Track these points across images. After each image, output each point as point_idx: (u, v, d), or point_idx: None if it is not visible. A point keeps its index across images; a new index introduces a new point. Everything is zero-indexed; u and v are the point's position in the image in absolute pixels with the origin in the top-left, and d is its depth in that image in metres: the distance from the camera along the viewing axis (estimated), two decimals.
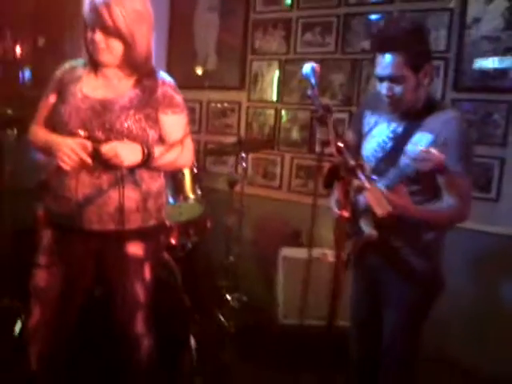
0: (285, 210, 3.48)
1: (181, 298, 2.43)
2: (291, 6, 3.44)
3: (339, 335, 2.55)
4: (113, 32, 1.75)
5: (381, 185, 1.80)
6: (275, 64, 3.52)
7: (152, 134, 1.87)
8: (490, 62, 2.82)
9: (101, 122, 1.81)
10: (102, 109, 1.83)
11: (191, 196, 2.57)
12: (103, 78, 1.88)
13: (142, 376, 2.01)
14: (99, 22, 1.73)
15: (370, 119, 2.08)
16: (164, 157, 1.86)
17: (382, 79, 1.85)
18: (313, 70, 1.77)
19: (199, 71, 3.86)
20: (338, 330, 2.56)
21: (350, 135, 2.23)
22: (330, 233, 3.22)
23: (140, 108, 1.85)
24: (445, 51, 2.92)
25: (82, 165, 1.73)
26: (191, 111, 3.94)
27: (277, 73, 3.52)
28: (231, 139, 3.62)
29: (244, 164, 2.91)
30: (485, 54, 2.82)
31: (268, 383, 2.50)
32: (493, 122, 2.84)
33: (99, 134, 1.80)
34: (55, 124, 1.85)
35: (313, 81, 1.73)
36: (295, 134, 3.47)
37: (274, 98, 3.54)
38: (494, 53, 2.81)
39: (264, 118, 3.59)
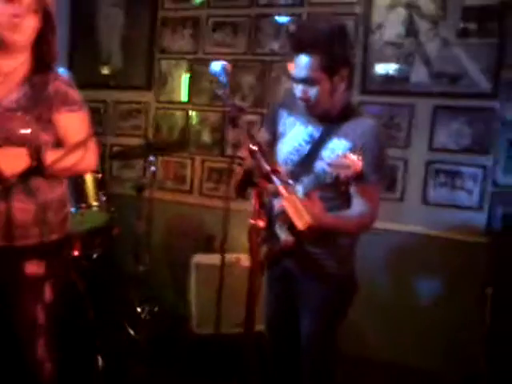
0: (197, 214, 3.38)
1: (86, 315, 2.25)
2: (201, 4, 3.35)
3: (257, 341, 2.56)
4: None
5: (297, 190, 1.77)
6: (184, 64, 3.41)
7: (46, 138, 1.69)
8: (393, 67, 2.93)
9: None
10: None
11: (94, 203, 2.39)
12: None
13: None
14: None
15: (286, 120, 2.02)
16: (62, 162, 1.67)
17: (296, 81, 1.81)
18: (223, 68, 1.69)
19: (104, 70, 3.65)
20: (255, 335, 2.57)
21: (263, 135, 2.17)
22: (244, 237, 3.22)
23: (29, 108, 1.67)
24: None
25: None
26: (95, 112, 3.73)
27: (185, 73, 3.42)
28: (139, 141, 3.48)
29: (153, 167, 2.78)
30: (388, 59, 2.93)
31: None
32: (396, 125, 2.95)
33: None
34: None
35: (223, 79, 1.66)
36: (206, 136, 3.38)
37: (184, 99, 3.44)
38: (397, 58, 2.92)
39: (173, 120, 3.45)
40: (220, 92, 1.66)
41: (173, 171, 3.45)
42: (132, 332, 2.64)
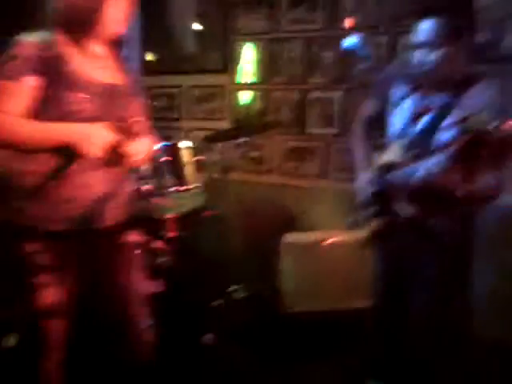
0: (278, 194, 3.38)
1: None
2: None
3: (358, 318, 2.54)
4: None
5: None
6: (260, 44, 3.38)
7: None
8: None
9: (114, 111, 1.66)
10: (115, 95, 1.68)
11: (194, 185, 2.42)
12: (93, 57, 1.67)
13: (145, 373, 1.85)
14: None
15: (398, 91, 1.99)
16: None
17: (419, 46, 1.78)
18: (361, 40, 1.69)
19: (178, 54, 3.67)
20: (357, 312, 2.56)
21: (372, 106, 2.16)
22: (328, 215, 3.21)
23: (135, 94, 1.75)
24: None
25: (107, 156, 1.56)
26: (171, 97, 3.77)
27: (261, 52, 3.39)
28: (218, 124, 3.50)
29: (244, 149, 2.79)
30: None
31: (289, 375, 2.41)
32: None
33: (112, 123, 1.62)
34: (56, 114, 1.57)
35: (364, 52, 1.65)
36: (286, 115, 3.35)
37: (261, 80, 3.42)
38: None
39: (252, 101, 3.44)
40: (362, 65, 1.65)
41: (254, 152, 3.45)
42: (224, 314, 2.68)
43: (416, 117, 1.90)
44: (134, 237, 1.80)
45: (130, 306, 1.77)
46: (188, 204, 2.52)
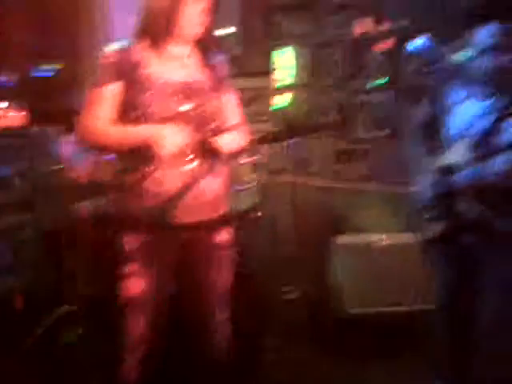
0: (325, 196, 3.39)
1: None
2: None
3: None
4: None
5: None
6: (303, 47, 3.41)
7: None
8: None
9: (193, 107, 1.68)
10: (191, 92, 1.69)
11: (249, 185, 2.46)
12: (171, 58, 1.71)
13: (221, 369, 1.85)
14: None
15: (458, 92, 1.98)
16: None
17: (489, 50, 1.78)
18: (427, 42, 1.69)
19: None
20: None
21: (427, 106, 2.12)
22: (374, 217, 3.20)
23: (217, 89, 1.75)
24: None
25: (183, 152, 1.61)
26: None
27: (306, 56, 3.41)
28: (263, 127, 3.52)
29: (295, 151, 2.81)
30: None
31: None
32: None
33: (191, 121, 1.66)
34: (134, 116, 1.65)
35: (431, 54, 1.65)
36: (333, 117, 3.37)
37: (306, 82, 3.44)
38: None
39: (298, 103, 3.48)
40: (428, 69, 1.65)
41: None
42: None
43: (478, 119, 1.89)
44: (223, 236, 1.78)
45: (210, 305, 1.79)
46: (244, 203, 2.54)
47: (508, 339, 1.97)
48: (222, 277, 1.81)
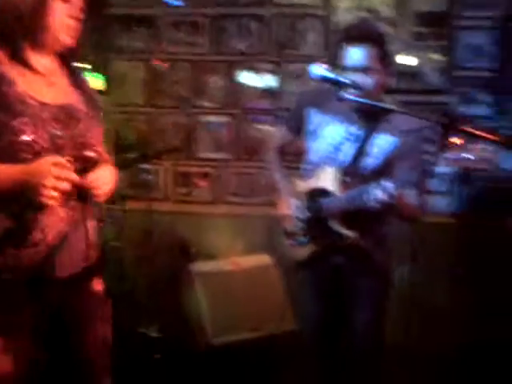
0: (170, 222, 3.24)
1: None
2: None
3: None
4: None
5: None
6: (141, 64, 3.22)
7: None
8: None
9: (71, 136, 1.40)
10: (68, 118, 1.41)
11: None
12: (38, 74, 1.41)
13: None
14: None
15: (316, 118, 2.05)
16: None
17: (352, 69, 1.86)
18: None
19: None
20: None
21: (284, 134, 2.20)
22: (223, 241, 3.18)
23: (93, 113, 1.50)
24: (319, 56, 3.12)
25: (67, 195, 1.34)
26: None
27: (143, 73, 3.23)
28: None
29: (148, 176, 2.62)
30: None
31: None
32: None
33: (70, 153, 1.39)
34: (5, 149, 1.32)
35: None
36: (173, 139, 3.25)
37: (142, 101, 3.25)
38: None
39: (133, 124, 3.25)
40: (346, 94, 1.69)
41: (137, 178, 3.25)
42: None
43: (342, 144, 1.99)
44: (98, 286, 1.54)
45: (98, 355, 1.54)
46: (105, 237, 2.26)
47: (374, 358, 2.14)
48: (104, 329, 1.58)
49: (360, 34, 1.88)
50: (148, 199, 2.85)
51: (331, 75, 1.74)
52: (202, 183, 3.24)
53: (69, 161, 1.35)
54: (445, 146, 1.37)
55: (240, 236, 3.15)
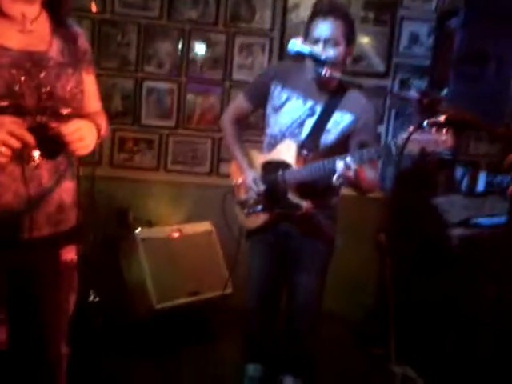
0: (108, 187, 3.16)
1: None
2: None
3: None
4: None
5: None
6: (88, 23, 3.05)
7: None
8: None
9: (34, 84, 1.35)
10: (32, 65, 1.36)
11: None
12: (8, 19, 1.35)
13: None
14: None
15: (280, 93, 2.11)
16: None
17: (319, 41, 1.93)
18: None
19: None
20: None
21: (244, 104, 2.23)
22: (162, 208, 3.17)
23: (72, 64, 1.45)
24: (270, 30, 3.17)
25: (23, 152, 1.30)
26: None
27: (89, 33, 3.06)
28: None
29: None
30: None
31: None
32: None
33: (33, 103, 1.34)
34: None
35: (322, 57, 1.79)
36: (117, 104, 3.15)
37: None
38: None
39: None
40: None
41: None
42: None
43: (302, 119, 2.07)
44: (70, 254, 1.51)
45: (56, 324, 1.53)
46: None
47: (314, 319, 2.26)
48: (68, 302, 1.57)
49: (329, 8, 1.96)
50: (90, 163, 2.74)
51: (307, 49, 1.80)
52: (145, 149, 3.19)
53: (32, 112, 1.31)
54: (420, 126, 1.46)
55: (181, 204, 3.16)
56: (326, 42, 1.93)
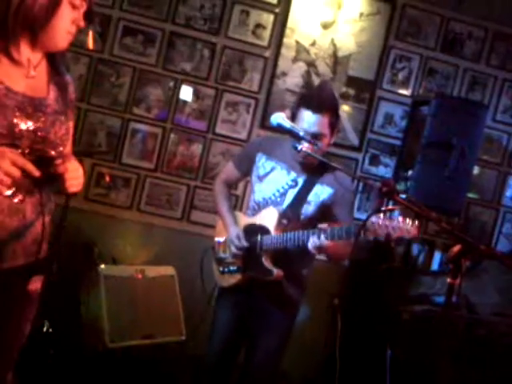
0: (76, 219, 3.18)
1: None
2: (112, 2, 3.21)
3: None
4: None
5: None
6: (85, 59, 3.19)
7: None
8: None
9: (32, 129, 1.44)
10: (33, 110, 1.45)
11: None
12: (17, 66, 1.44)
13: None
14: None
15: (265, 163, 2.23)
16: None
17: (307, 131, 2.01)
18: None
19: None
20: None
21: (233, 171, 2.36)
22: (129, 247, 3.21)
23: (64, 112, 1.54)
24: (256, 92, 3.36)
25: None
26: None
27: (85, 69, 3.18)
28: None
29: None
30: (286, 104, 3.38)
31: None
32: None
33: (26, 145, 1.42)
34: None
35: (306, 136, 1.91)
36: (101, 140, 3.24)
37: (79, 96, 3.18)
38: (292, 104, 3.38)
39: None
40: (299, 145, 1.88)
41: None
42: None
43: (285, 189, 2.18)
44: (36, 284, 1.54)
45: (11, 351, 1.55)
46: None
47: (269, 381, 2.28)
48: (24, 332, 1.60)
49: (318, 103, 2.04)
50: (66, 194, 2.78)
51: (288, 124, 1.93)
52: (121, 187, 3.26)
53: (25, 152, 1.39)
54: (378, 210, 1.60)
55: (147, 245, 3.22)
56: (313, 135, 2.01)
